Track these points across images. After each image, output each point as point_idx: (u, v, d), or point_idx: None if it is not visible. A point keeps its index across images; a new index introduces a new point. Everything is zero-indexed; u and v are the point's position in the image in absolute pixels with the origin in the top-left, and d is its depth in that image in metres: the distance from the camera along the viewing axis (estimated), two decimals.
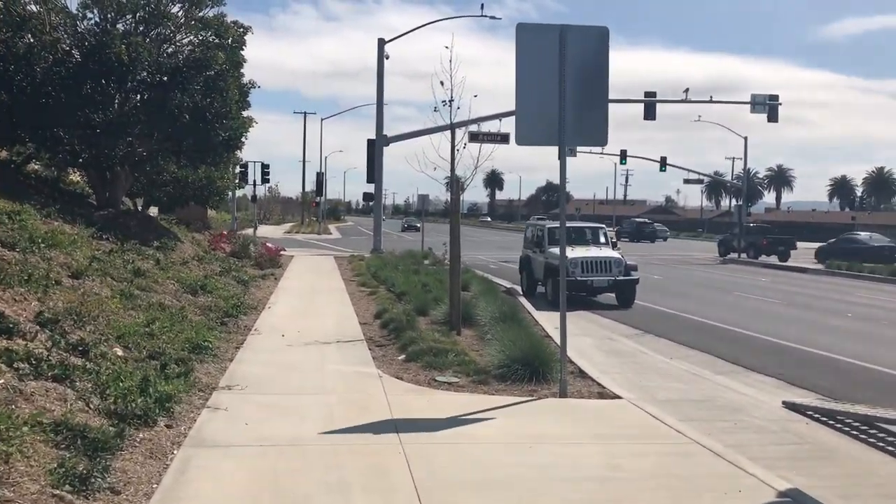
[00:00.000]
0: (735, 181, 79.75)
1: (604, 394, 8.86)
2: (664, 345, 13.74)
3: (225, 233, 29.69)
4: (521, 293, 20.33)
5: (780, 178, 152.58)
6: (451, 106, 12.84)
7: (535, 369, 9.23)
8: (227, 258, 22.28)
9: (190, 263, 17.64)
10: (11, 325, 7.39)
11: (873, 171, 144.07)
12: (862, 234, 43.89)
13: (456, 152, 13.15)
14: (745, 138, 53.25)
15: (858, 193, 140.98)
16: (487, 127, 31.11)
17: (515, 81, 8.25)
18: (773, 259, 40.84)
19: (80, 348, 7.72)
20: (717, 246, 47.19)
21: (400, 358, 10.45)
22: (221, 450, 6.32)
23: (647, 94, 38.81)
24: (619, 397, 8.70)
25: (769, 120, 41.73)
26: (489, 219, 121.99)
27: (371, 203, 39.31)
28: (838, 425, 8.34)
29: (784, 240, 42.58)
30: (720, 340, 14.26)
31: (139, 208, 28.21)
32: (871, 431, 8.05)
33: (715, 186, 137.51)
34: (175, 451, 6.17)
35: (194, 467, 5.86)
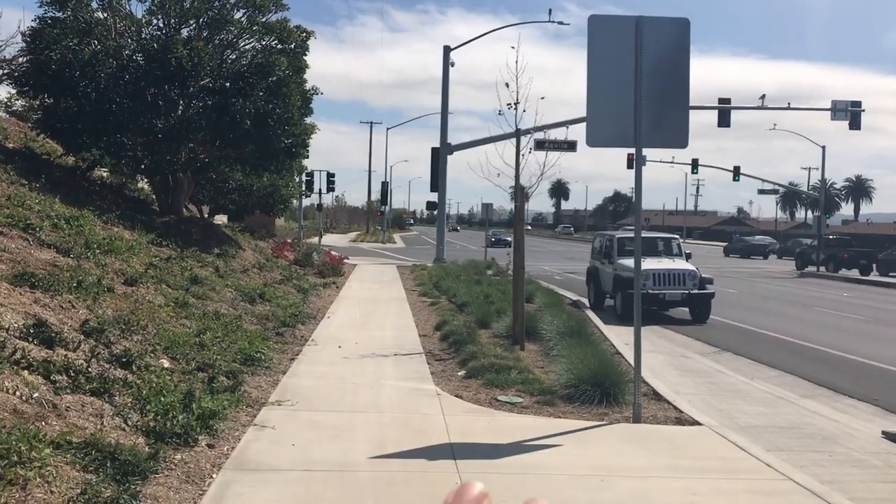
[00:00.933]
0: (811, 192, 76.91)
1: (681, 419, 8.10)
2: (743, 364, 12.83)
3: (288, 241, 29.63)
4: (588, 306, 19.54)
5: (859, 189, 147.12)
6: (516, 109, 12.24)
7: (606, 390, 8.54)
8: (290, 266, 22.08)
9: (250, 271, 17.42)
10: (54, 334, 7.07)
11: None
12: None
13: (521, 158, 12.54)
14: (823, 147, 51.12)
15: None
16: (554, 135, 30.35)
17: (587, 78, 7.62)
18: (854, 273, 38.91)
19: (124, 359, 7.36)
20: (794, 259, 45.29)
21: (460, 374, 9.87)
22: (264, 474, 5.84)
23: (722, 101, 37.47)
24: (697, 423, 7.94)
25: (851, 127, 39.87)
26: (572, 229, 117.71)
27: (434, 212, 38.92)
28: None
29: (866, 253, 40.55)
30: (803, 359, 13.26)
31: (205, 216, 28.38)
32: None
33: (790, 197, 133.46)
34: (214, 475, 5.71)
35: (233, 494, 5.38)
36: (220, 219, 32.64)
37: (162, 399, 6.61)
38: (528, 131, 14.96)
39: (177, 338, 8.96)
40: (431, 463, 6.20)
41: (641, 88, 7.55)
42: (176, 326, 9.73)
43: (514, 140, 13.56)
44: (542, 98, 12.38)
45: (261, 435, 6.79)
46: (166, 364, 7.93)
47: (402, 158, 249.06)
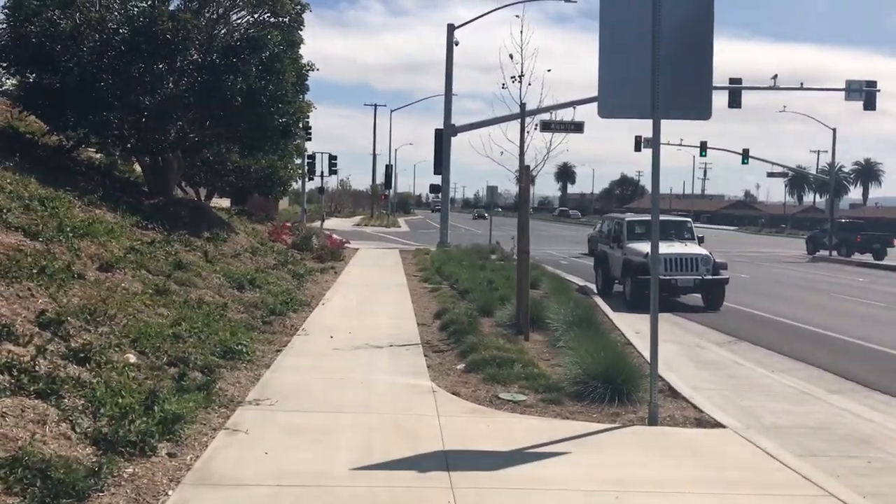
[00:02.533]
0: (820, 174, 75.77)
1: (702, 420, 7.32)
2: (762, 354, 12.04)
3: (287, 224, 28.85)
4: (596, 292, 18.74)
5: (868, 173, 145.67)
6: (520, 82, 11.41)
7: (618, 387, 7.76)
8: (287, 250, 21.30)
9: (242, 256, 16.65)
10: (1, 328, 6.31)
11: None
12: None
13: (526, 135, 11.72)
14: (834, 129, 50.03)
15: None
16: (561, 116, 29.46)
17: (599, 39, 6.80)
18: (867, 257, 38.02)
19: (82, 355, 6.61)
20: (804, 243, 44.38)
21: (459, 367, 9.10)
22: (227, 491, 5.08)
23: (733, 80, 36.46)
24: (720, 425, 7.16)
25: (866, 108, 38.83)
26: (579, 214, 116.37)
27: (438, 195, 38.07)
28: None
29: (879, 237, 39.60)
30: (825, 350, 12.47)
31: (202, 199, 27.59)
32: None
33: (797, 181, 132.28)
34: (170, 492, 4.95)
35: None
36: (221, 202, 31.88)
37: (119, 401, 5.86)
38: (534, 111, 14.15)
39: (149, 329, 8.21)
40: (422, 476, 5.43)
41: (660, 51, 6.72)
42: (150, 316, 8.97)
43: (518, 121, 12.78)
44: (549, 70, 11.55)
45: (231, 441, 6.03)
46: (132, 359, 7.18)
47: (407, 142, 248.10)
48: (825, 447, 7.01)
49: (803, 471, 5.95)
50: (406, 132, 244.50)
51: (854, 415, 8.33)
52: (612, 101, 6.98)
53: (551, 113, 28.67)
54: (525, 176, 10.96)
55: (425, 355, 9.79)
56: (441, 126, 32.43)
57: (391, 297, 15.84)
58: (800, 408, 8.51)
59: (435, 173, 33.37)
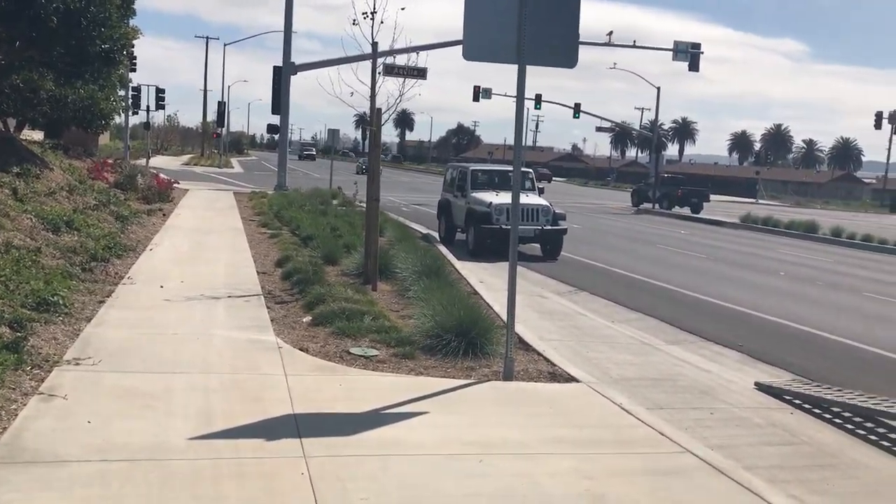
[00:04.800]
0: (644, 130, 79.84)
1: (556, 374, 7.27)
2: (602, 305, 12.33)
3: (109, 161, 26.68)
4: (440, 240, 18.62)
5: (684, 131, 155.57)
6: (373, 19, 10.77)
7: (472, 340, 7.57)
8: (109, 190, 19.63)
9: (58, 194, 15.08)
10: None
11: (772, 128, 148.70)
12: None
13: (378, 77, 11.13)
14: (658, 88, 52.72)
15: (757, 148, 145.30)
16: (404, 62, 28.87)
17: None
18: (686, 211, 40.51)
19: None
20: (630, 196, 46.64)
21: (305, 320, 8.58)
22: (42, 469, 4.38)
23: None
24: (574, 379, 7.13)
25: (690, 68, 41.01)
26: (401, 157, 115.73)
27: (276, 136, 36.55)
28: (827, 416, 7.04)
29: (698, 192, 42.23)
30: (660, 300, 12.96)
31: (10, 130, 24.86)
32: (875, 428, 6.78)
33: (621, 136, 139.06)
34: None
35: None
36: (33, 135, 28.92)
37: None
38: (386, 52, 13.56)
39: None
40: (271, 444, 4.95)
41: None
42: None
43: (364, 63, 12.16)
44: (403, 9, 10.95)
45: (47, 409, 5.27)
46: None
47: (241, 79, 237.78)
48: (671, 400, 7.15)
49: (657, 425, 5.99)
50: (241, 69, 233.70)
51: (693, 366, 8.60)
52: (478, 44, 6.60)
53: (408, 57, 28.16)
54: (377, 119, 10.43)
55: (268, 307, 9.19)
56: (280, 63, 30.99)
57: (227, 242, 14.94)
58: (642, 359, 8.69)
59: (273, 113, 31.96)
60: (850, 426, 6.79)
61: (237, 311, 8.87)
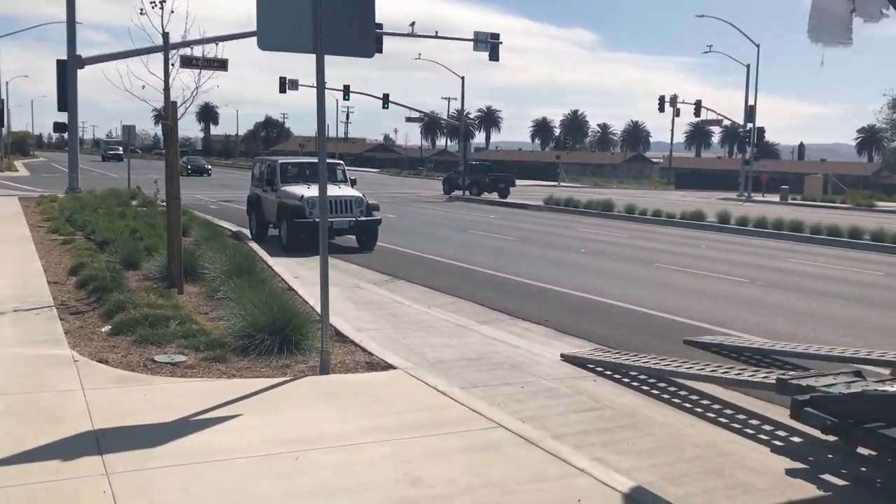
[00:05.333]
0: (451, 119, 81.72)
1: (373, 363, 7.28)
2: (418, 292, 12.52)
3: None
4: (251, 237, 18.13)
5: (490, 119, 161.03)
6: (162, 9, 10.24)
7: (287, 337, 7.43)
8: None
9: None
10: None
11: (569, 114, 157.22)
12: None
13: (171, 68, 10.60)
14: (463, 78, 54.10)
15: (557, 134, 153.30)
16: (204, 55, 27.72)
17: None
18: (494, 196, 41.99)
19: None
20: (441, 184, 47.65)
21: (104, 330, 8.05)
22: None
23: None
24: (391, 367, 7.18)
25: (491, 58, 42.42)
26: (188, 151, 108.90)
27: (65, 135, 33.95)
28: (626, 380, 7.57)
29: (504, 177, 43.93)
30: (473, 284, 13.35)
31: None
32: (668, 387, 7.35)
33: (430, 126, 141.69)
34: None
35: None
36: None
37: None
38: (179, 44, 13.01)
39: None
40: (68, 465, 4.59)
41: None
42: None
43: (157, 55, 11.55)
44: None
45: None
46: None
47: (22, 74, 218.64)
48: (485, 377, 7.39)
49: (471, 404, 6.16)
50: (20, 63, 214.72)
51: (504, 343, 8.94)
52: (272, 33, 6.44)
53: (204, 49, 27.02)
54: (172, 113, 9.94)
55: (61, 319, 8.53)
56: (65, 57, 28.80)
57: (13, 252, 13.72)
58: (458, 340, 8.92)
59: (60, 110, 29.64)
60: (646, 388, 7.33)
61: (26, 326, 8.17)
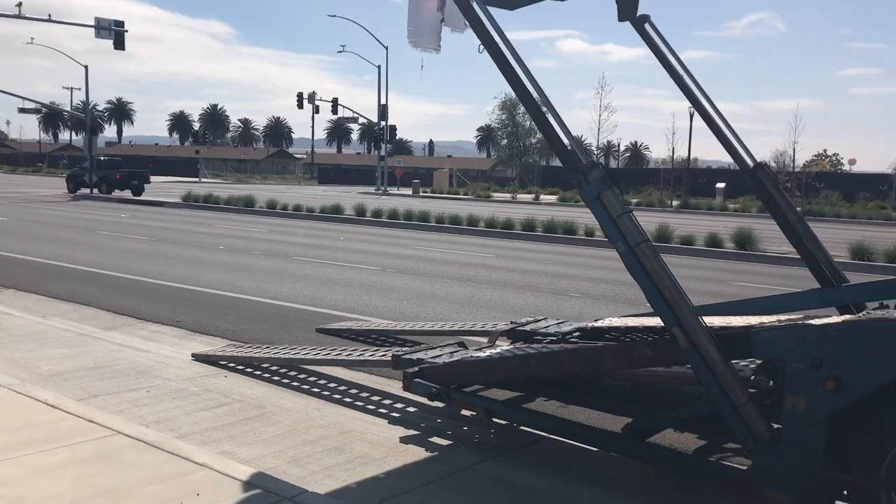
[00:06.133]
0: (76, 111, 74.92)
1: None
2: (32, 301, 11.36)
3: None
4: None
5: (121, 112, 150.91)
6: None
7: None
8: None
9: None
10: None
11: (209, 108, 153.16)
12: None
13: None
14: (86, 67, 49.94)
15: (196, 128, 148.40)
16: None
17: None
18: (128, 194, 39.55)
19: None
20: (65, 182, 43.61)
21: None
22: None
23: None
24: None
25: (116, 47, 39.70)
26: None
27: None
28: (258, 373, 7.69)
29: (138, 174, 41.58)
30: (99, 288, 12.46)
31: None
32: (297, 375, 7.59)
33: (52, 118, 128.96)
34: None
35: None
36: None
37: None
38: None
39: None
40: None
41: None
42: None
43: None
44: None
45: None
46: None
47: None
48: (107, 386, 6.99)
49: (87, 414, 5.80)
50: None
51: (131, 348, 8.52)
52: None
53: None
54: None
55: None
56: None
57: None
58: (78, 350, 8.30)
59: None
60: (276, 378, 7.51)
61: None
